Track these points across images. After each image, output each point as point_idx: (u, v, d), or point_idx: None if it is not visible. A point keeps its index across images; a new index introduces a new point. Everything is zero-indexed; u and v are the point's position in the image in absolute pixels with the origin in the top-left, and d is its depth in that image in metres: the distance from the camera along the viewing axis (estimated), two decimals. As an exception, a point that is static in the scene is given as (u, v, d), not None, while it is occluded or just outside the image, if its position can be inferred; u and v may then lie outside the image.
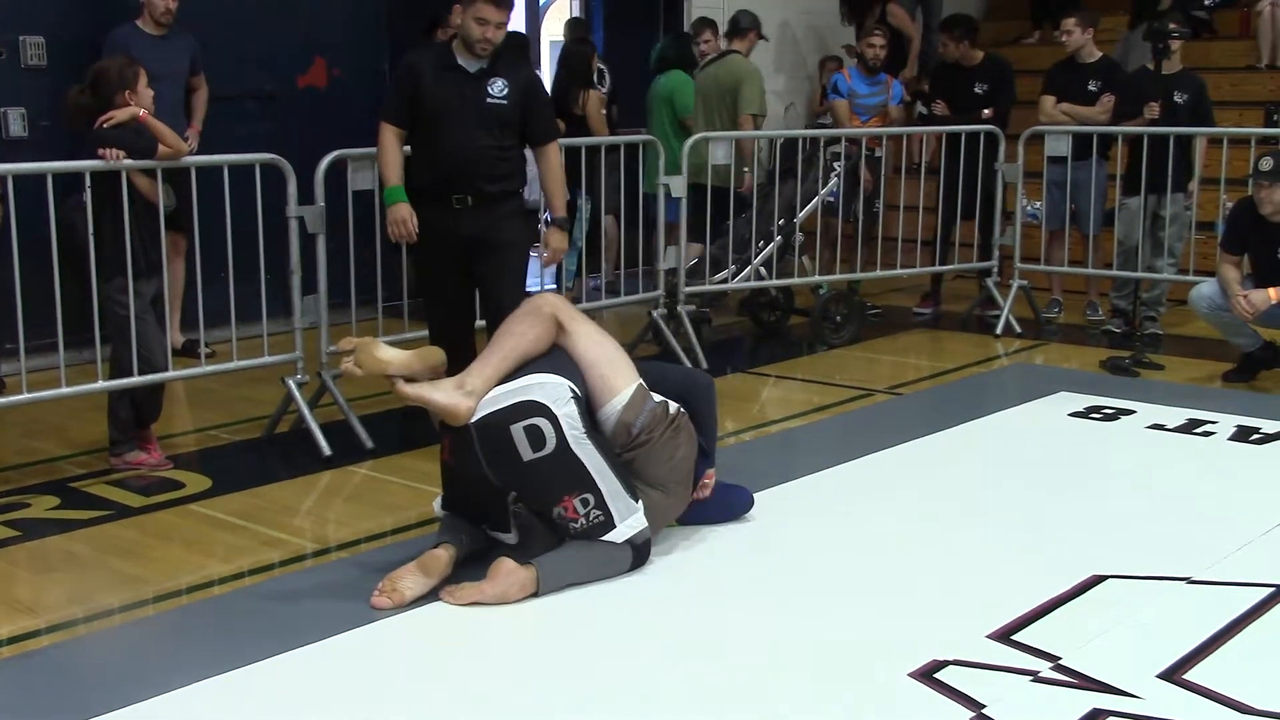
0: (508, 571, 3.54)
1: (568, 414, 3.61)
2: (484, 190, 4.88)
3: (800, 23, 10.23)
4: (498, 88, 4.81)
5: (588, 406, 3.73)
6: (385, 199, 4.90)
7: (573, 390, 3.67)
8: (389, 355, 3.67)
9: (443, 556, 3.63)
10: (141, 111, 4.77)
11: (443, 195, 4.87)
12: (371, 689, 3.09)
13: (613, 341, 3.91)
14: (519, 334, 3.74)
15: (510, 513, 3.73)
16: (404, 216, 4.83)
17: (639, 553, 3.74)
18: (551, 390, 3.64)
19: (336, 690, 3.08)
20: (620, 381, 3.80)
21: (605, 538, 3.66)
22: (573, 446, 3.60)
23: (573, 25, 9.09)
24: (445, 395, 3.62)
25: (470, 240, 4.89)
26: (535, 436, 3.57)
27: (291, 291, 5.36)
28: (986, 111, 7.77)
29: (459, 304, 5.09)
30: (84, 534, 4.23)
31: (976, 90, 7.86)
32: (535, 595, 3.56)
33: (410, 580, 3.58)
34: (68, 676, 3.20)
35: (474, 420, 3.62)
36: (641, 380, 3.86)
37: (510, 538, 3.77)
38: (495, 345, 3.78)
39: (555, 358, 3.76)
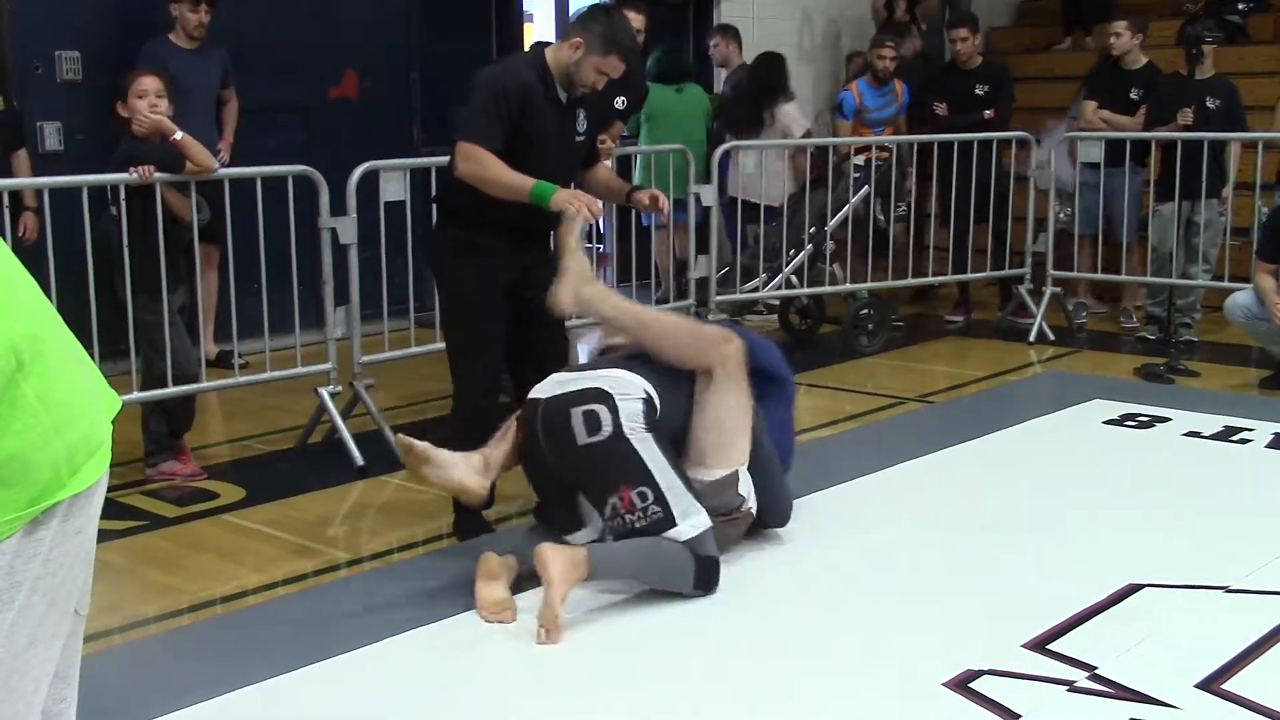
0: (552, 550, 3.39)
1: (630, 410, 3.55)
2: (552, 228, 4.25)
3: (836, 29, 10.19)
4: (580, 121, 4.31)
5: (669, 435, 3.65)
6: (540, 195, 3.96)
7: (646, 393, 3.61)
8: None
9: (493, 556, 3.63)
10: (178, 134, 4.79)
11: (515, 230, 4.16)
12: (407, 699, 3.09)
13: (749, 417, 3.80)
14: (680, 339, 3.80)
15: (581, 512, 3.68)
16: (576, 192, 4.09)
17: (704, 569, 3.57)
18: (623, 384, 3.60)
19: (371, 700, 3.09)
20: (722, 460, 3.73)
21: (666, 534, 3.53)
22: (629, 437, 3.53)
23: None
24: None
25: (522, 280, 4.22)
26: (592, 422, 3.53)
27: (324, 302, 5.39)
28: (988, 113, 7.74)
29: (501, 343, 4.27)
30: (119, 544, 4.25)
31: (977, 92, 7.83)
32: (590, 579, 3.43)
33: (487, 591, 3.55)
34: (102, 686, 3.19)
35: (544, 398, 3.62)
36: (741, 467, 3.76)
37: (580, 537, 3.69)
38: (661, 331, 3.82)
39: (658, 367, 3.72)
